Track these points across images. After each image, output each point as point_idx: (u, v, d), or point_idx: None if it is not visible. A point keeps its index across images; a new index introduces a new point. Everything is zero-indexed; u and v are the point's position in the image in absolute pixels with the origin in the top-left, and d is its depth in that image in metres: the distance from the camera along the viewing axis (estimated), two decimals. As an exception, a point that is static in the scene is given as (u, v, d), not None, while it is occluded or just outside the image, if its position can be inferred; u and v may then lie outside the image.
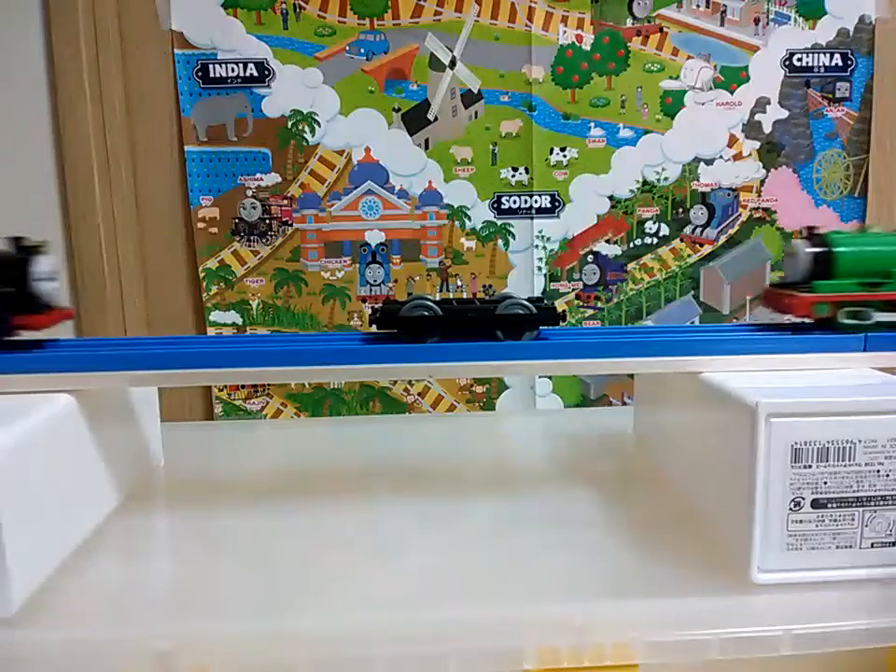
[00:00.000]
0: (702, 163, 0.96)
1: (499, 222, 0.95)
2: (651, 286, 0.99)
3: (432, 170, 0.94)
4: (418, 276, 0.95)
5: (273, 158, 0.92)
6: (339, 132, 0.92)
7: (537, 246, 0.96)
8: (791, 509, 0.42)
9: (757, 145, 0.95)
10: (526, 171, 0.94)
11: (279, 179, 0.92)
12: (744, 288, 1.00)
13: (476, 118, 0.93)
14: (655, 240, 0.98)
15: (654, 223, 0.97)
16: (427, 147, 0.93)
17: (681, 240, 0.98)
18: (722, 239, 0.98)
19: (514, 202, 0.95)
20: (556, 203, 0.95)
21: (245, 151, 0.92)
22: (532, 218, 0.95)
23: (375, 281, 0.95)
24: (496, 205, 0.95)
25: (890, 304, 0.51)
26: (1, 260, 0.52)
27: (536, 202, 0.95)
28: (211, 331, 0.94)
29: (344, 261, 0.94)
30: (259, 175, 0.92)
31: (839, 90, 0.94)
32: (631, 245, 0.98)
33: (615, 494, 0.58)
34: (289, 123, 0.91)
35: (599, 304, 0.98)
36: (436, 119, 0.92)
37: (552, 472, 0.65)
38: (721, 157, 0.95)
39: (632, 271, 0.98)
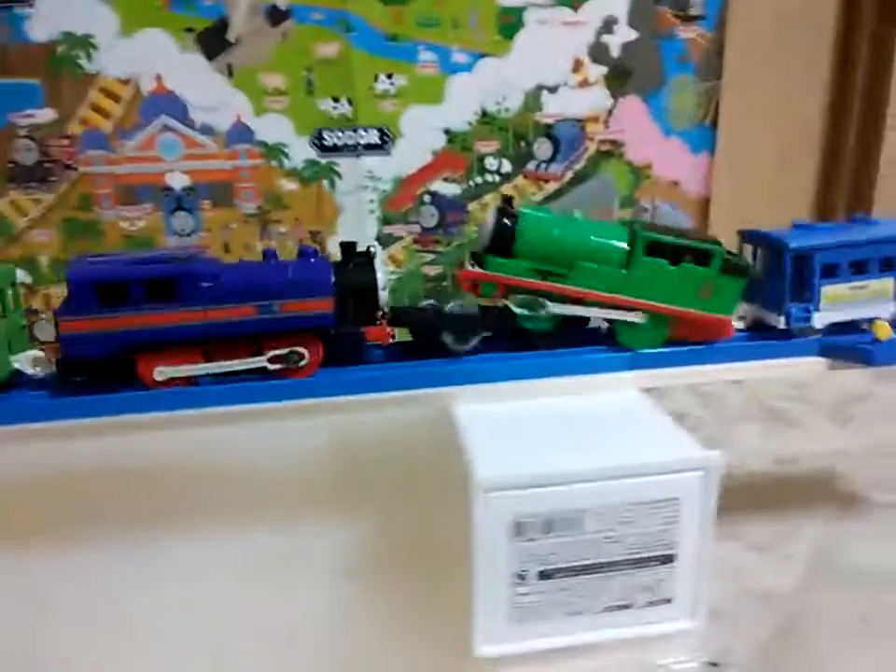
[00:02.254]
0: (545, 92, 0.87)
1: (323, 161, 0.85)
2: (495, 227, 0.92)
3: (239, 101, 0.82)
4: (234, 224, 0.86)
5: (45, 90, 0.78)
6: (121, 57, 0.78)
7: (366, 187, 0.87)
8: (515, 582, 0.38)
9: (604, 70, 0.86)
10: (349, 102, 0.83)
11: (55, 115, 0.79)
12: (592, 228, 0.94)
13: (285, 39, 0.80)
14: (497, 177, 0.90)
15: (495, 159, 0.89)
16: (230, 75, 0.80)
17: (525, 177, 0.90)
18: (569, 175, 0.91)
19: (338, 138, 0.85)
20: (386, 139, 0.86)
21: (11, 84, 0.78)
22: (359, 156, 0.86)
23: (184, 230, 0.85)
24: (317, 142, 0.84)
25: (571, 299, 0.45)
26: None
27: (362, 137, 0.85)
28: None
29: (145, 209, 0.83)
30: (30, 112, 0.78)
31: (693, 6, 0.85)
32: (471, 183, 0.89)
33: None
34: (60, 49, 0.77)
35: (439, 248, 0.91)
36: (237, 40, 0.79)
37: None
38: (565, 84, 0.87)
39: (473, 211, 0.91)
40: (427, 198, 0.89)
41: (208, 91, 0.81)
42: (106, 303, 0.41)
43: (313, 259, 0.43)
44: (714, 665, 0.40)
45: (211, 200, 0.84)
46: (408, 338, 0.48)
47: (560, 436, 0.41)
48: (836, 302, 0.48)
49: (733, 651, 0.44)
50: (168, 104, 0.81)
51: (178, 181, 0.83)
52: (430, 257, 0.91)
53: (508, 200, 0.46)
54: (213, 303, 0.42)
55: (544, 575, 0.38)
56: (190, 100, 0.81)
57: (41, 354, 0.45)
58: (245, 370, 0.43)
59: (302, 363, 0.43)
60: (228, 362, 0.43)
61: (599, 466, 0.37)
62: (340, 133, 0.84)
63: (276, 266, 0.43)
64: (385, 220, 0.89)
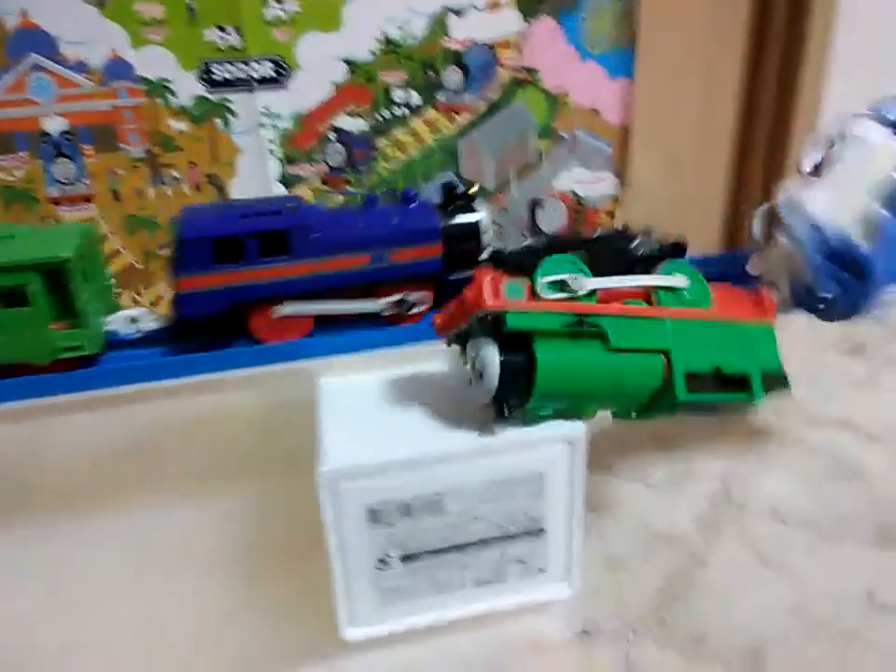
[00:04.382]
0: (452, 15, 0.81)
1: (214, 97, 0.79)
2: (407, 163, 0.87)
3: (114, 34, 0.75)
4: (122, 170, 0.80)
5: None
6: (-25, -11, 0.70)
7: (264, 125, 0.81)
8: (377, 567, 0.37)
9: (515, -11, 0.80)
10: (237, 31, 0.77)
11: None
12: (508, 161, 0.90)
13: (158, -37, 0.73)
14: (406, 110, 0.85)
15: (402, 90, 0.83)
16: (100, 5, 0.73)
17: (435, 108, 0.85)
18: (481, 105, 0.86)
19: (229, 71, 0.78)
20: (282, 71, 0.79)
21: None
22: (253, 91, 0.80)
23: (67, 179, 0.79)
24: (206, 77, 0.78)
25: None
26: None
27: (255, 70, 0.79)
28: None
29: (21, 157, 0.77)
30: None
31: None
32: (378, 117, 0.84)
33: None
34: None
35: (350, 188, 0.87)
36: (102, -36, 0.72)
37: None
38: (473, 6, 0.81)
39: (382, 147, 0.86)
40: (331, 135, 0.84)
41: (79, 24, 0.73)
42: (221, 259, 0.40)
43: (417, 204, 0.43)
44: (585, 632, 0.40)
45: (93, 144, 0.78)
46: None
47: (420, 412, 0.38)
48: None
49: (630, 597, 0.44)
50: (36, 40, 0.73)
51: (55, 125, 0.77)
52: (340, 197, 0.87)
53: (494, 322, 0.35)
54: (323, 254, 0.41)
55: (408, 558, 0.37)
56: (59, 34, 0.73)
57: (138, 313, 0.44)
58: (359, 314, 0.43)
59: (414, 309, 0.43)
60: (343, 304, 0.42)
61: (456, 447, 0.35)
62: (230, 67, 0.78)
63: (383, 213, 0.42)
64: (289, 160, 0.84)
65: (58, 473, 0.52)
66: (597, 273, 0.38)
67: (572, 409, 0.37)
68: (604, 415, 0.39)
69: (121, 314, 0.43)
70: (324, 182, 0.86)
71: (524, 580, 0.39)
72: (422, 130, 0.86)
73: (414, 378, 0.42)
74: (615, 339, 0.36)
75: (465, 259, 0.43)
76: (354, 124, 0.84)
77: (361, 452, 0.35)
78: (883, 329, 0.80)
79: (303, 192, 0.85)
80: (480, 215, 0.43)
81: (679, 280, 0.39)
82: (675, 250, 0.45)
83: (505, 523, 0.38)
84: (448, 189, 0.44)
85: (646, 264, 0.43)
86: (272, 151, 0.83)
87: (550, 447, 0.37)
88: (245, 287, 0.41)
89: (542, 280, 0.36)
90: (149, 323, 0.43)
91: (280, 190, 0.84)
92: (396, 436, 0.36)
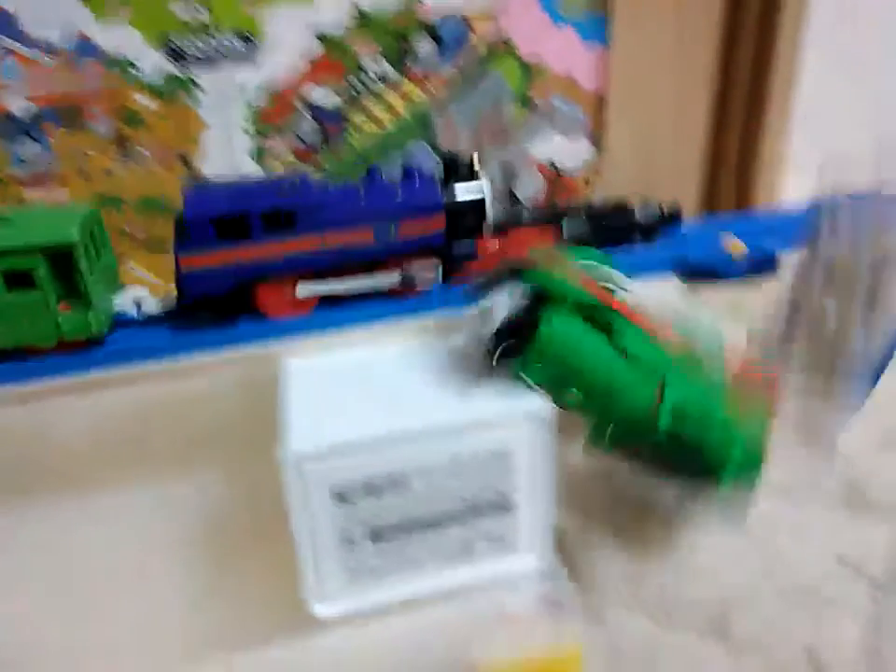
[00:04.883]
0: (422, -16, 0.79)
1: (181, 73, 0.78)
2: (381, 137, 0.86)
3: (76, 11, 0.73)
4: (90, 150, 0.78)
5: None
6: (-71, -34, 0.68)
7: (235, 101, 0.80)
8: (344, 546, 0.37)
9: (485, -45, 0.79)
10: (205, 5, 0.75)
11: None
12: (483, 131, 0.89)
13: (117, -66, 0.71)
14: (379, 83, 0.83)
15: (375, 62, 0.82)
16: (61, -20, 0.71)
17: (410, 80, 0.84)
18: (456, 76, 0.85)
19: (197, 47, 0.77)
20: (251, 46, 0.78)
21: None
22: (223, 67, 0.78)
23: (33, 159, 0.78)
24: (172, 52, 0.76)
25: None
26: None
27: (224, 45, 0.77)
28: None
29: (-14, 139, 0.76)
30: None
31: None
32: (351, 90, 0.83)
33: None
34: None
35: (323, 163, 0.86)
36: (62, -60, 0.70)
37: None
38: (444, -26, 0.79)
39: (356, 121, 0.85)
40: (304, 110, 0.83)
41: (41, 2, 0.72)
42: (225, 237, 0.40)
43: (419, 178, 0.43)
44: (554, 603, 0.40)
45: (59, 124, 0.77)
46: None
47: (386, 392, 0.38)
48: None
49: (600, 567, 0.45)
50: (-3, 19, 0.72)
51: (19, 105, 0.75)
52: (316, 174, 0.86)
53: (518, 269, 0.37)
54: (329, 230, 0.41)
55: (375, 535, 0.37)
56: (22, 14, 0.72)
57: (144, 293, 0.44)
58: (369, 289, 0.43)
59: (419, 282, 0.44)
60: (355, 280, 0.43)
61: (420, 426, 0.35)
62: (198, 42, 0.77)
63: (387, 188, 0.43)
64: (260, 135, 0.82)
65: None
66: (600, 240, 0.40)
67: (555, 390, 0.37)
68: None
69: (127, 294, 0.44)
70: (296, 157, 0.85)
71: (493, 554, 0.40)
72: (396, 102, 0.85)
73: (382, 358, 0.42)
74: (622, 339, 0.36)
75: (468, 230, 0.44)
76: (326, 98, 0.83)
77: (326, 432, 0.35)
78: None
79: (275, 168, 0.85)
80: (482, 185, 0.43)
81: (709, 334, 0.39)
82: (672, 218, 0.46)
83: (473, 499, 0.38)
84: (448, 160, 0.44)
85: (646, 231, 0.45)
86: (242, 127, 0.82)
87: (516, 424, 0.37)
88: (251, 265, 0.41)
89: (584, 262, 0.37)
90: (154, 303, 0.44)
91: (251, 167, 0.83)
92: (361, 416, 0.36)
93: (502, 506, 0.39)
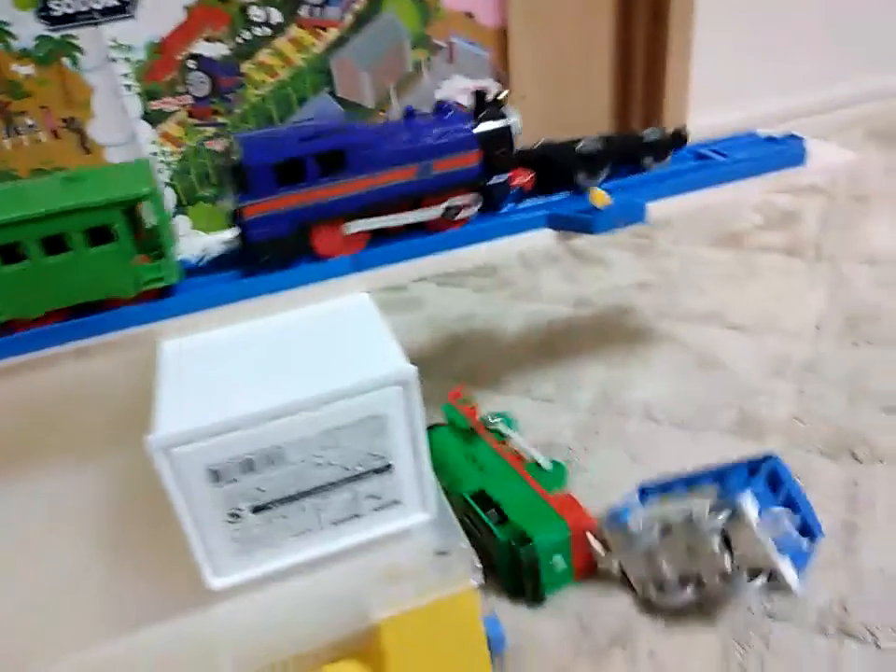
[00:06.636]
0: (302, -78, 0.76)
1: (56, 35, 0.74)
2: (277, 87, 0.84)
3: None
4: (-31, 122, 0.75)
5: None
6: None
7: (115, 60, 0.77)
8: (229, 521, 0.38)
9: None
10: (69, -41, 0.71)
11: None
12: (384, 75, 0.87)
13: None
14: (268, 30, 0.81)
15: (260, 8, 0.79)
16: None
17: (300, 26, 0.81)
18: (349, 18, 0.82)
19: (68, 5, 0.73)
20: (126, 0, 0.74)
21: None
22: (98, 24, 0.75)
23: None
24: (44, 14, 0.73)
25: None
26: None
27: (97, 1, 0.74)
28: None
29: None
30: None
31: None
32: (239, 40, 0.80)
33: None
34: None
35: (220, 119, 0.83)
36: None
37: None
38: (324, -89, 0.76)
39: (249, 72, 0.82)
40: (191, 63, 0.80)
41: None
42: (284, 182, 0.41)
43: (453, 114, 0.45)
44: (442, 553, 0.42)
45: (-68, 97, 0.73)
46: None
47: (256, 367, 0.39)
48: None
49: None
50: None
51: None
52: (212, 130, 0.83)
53: None
54: (376, 170, 0.43)
55: (259, 508, 0.38)
56: None
57: (208, 242, 0.46)
58: (407, 225, 0.45)
59: (460, 215, 0.46)
60: (402, 216, 0.45)
61: (288, 401, 0.36)
62: (69, 0, 0.73)
63: (424, 125, 0.44)
64: (150, 95, 0.80)
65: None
66: (616, 160, 0.50)
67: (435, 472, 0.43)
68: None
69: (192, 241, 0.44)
70: (190, 114, 0.82)
71: (380, 513, 0.41)
72: (288, 50, 0.83)
73: (256, 332, 0.42)
74: (475, 450, 0.57)
75: (501, 162, 0.46)
76: (214, 49, 0.80)
77: (194, 415, 0.36)
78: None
79: (170, 127, 0.82)
80: (511, 119, 0.46)
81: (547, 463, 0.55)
82: (677, 138, 0.53)
83: (351, 465, 0.39)
84: (478, 95, 0.47)
85: (656, 150, 0.52)
86: (128, 87, 0.79)
87: (383, 390, 0.38)
88: (308, 208, 0.43)
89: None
90: (217, 249, 0.46)
91: (144, 129, 0.80)
92: (230, 394, 0.37)
93: (381, 467, 0.40)
